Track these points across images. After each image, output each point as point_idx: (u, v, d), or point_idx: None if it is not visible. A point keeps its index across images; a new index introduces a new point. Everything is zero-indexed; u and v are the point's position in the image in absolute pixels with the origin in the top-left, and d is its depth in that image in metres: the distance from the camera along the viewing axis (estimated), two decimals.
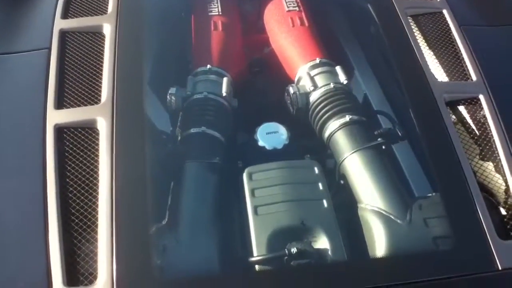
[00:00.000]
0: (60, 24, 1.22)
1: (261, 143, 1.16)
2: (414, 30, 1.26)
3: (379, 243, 0.93)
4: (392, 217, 0.96)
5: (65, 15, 1.25)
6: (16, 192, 0.93)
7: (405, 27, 1.25)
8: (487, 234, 0.89)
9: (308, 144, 1.19)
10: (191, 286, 0.84)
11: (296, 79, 1.27)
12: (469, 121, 1.12)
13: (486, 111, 1.09)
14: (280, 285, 0.84)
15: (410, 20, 1.28)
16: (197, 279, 0.86)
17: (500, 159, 1.03)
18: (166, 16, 1.40)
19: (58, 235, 0.86)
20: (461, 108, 1.13)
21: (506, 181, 1.00)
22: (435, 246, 0.91)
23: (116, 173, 0.93)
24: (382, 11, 1.32)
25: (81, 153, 0.98)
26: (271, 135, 1.19)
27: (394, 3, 1.30)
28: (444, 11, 1.30)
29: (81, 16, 1.26)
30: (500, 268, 0.85)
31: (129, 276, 0.83)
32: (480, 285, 0.85)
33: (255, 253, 0.91)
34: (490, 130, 1.07)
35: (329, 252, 0.92)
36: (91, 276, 0.84)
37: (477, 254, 0.87)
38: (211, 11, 1.39)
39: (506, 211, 0.98)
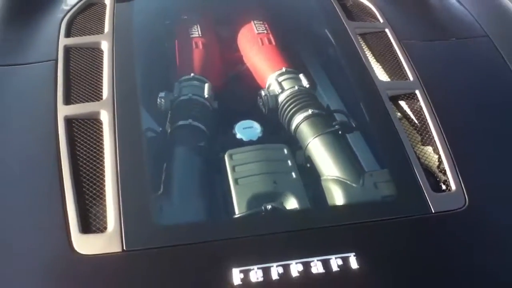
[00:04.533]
0: (64, 41, 1.43)
1: (238, 136, 1.37)
2: (362, 45, 1.52)
3: (337, 198, 1.14)
4: (348, 182, 1.18)
5: (67, 34, 1.47)
6: (37, 168, 1.11)
7: (355, 43, 1.51)
8: (423, 189, 1.11)
9: (278, 136, 1.41)
10: (183, 231, 1.02)
11: (266, 86, 1.51)
12: (408, 111, 1.36)
13: (422, 103, 1.34)
14: (255, 228, 1.03)
15: (359, 38, 1.55)
16: (188, 225, 1.05)
17: (434, 139, 1.26)
18: (154, 36, 1.63)
19: (73, 196, 1.04)
20: (402, 102, 1.38)
21: (439, 156, 1.23)
22: (383, 199, 1.13)
23: (118, 150, 1.12)
24: (336, 31, 1.59)
25: (88, 136, 1.17)
26: (247, 129, 1.40)
27: (345, 25, 1.58)
28: (386, 30, 1.57)
29: (81, 35, 1.48)
30: (433, 211, 1.07)
31: (133, 224, 1.00)
32: (419, 224, 1.06)
33: (237, 211, 1.11)
34: (425, 118, 1.31)
35: (297, 207, 1.12)
36: (102, 227, 1.01)
37: (417, 201, 1.09)
38: (192, 34, 1.63)
39: (436, 176, 1.21)
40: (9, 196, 1.05)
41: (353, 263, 0.95)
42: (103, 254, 0.96)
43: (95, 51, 1.42)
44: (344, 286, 0.95)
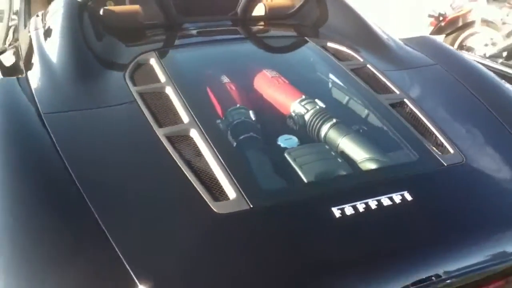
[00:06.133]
0: (135, 89, 1.81)
1: (282, 145, 1.79)
2: (356, 78, 2.05)
3: (380, 166, 1.58)
4: (383, 159, 1.63)
5: (134, 84, 1.85)
6: (163, 170, 1.47)
7: (351, 76, 2.04)
8: (435, 153, 1.60)
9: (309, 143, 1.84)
10: (285, 191, 1.44)
11: (291, 110, 1.96)
12: (401, 113, 1.87)
13: (411, 107, 1.87)
14: (336, 182, 1.47)
15: (352, 74, 2.08)
16: (286, 187, 1.48)
17: (427, 126, 1.77)
18: (199, 81, 2.04)
19: (196, 180, 1.40)
20: (399, 107, 1.89)
21: (435, 135, 1.73)
22: (410, 163, 1.59)
23: (216, 149, 1.51)
24: (333, 69, 2.13)
25: (185, 145, 1.55)
26: (288, 140, 1.82)
27: (339, 64, 2.11)
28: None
29: (143, 85, 1.86)
30: (445, 165, 1.55)
31: (250, 190, 1.37)
32: (439, 172, 1.54)
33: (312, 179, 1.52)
34: (416, 113, 1.83)
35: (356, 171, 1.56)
36: (225, 198, 1.36)
37: (433, 160, 1.57)
38: (223, 80, 2.08)
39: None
40: (157, 189, 1.40)
41: (408, 197, 1.39)
42: (238, 211, 1.31)
43: (161, 93, 1.81)
44: (401, 211, 1.38)
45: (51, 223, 1.28)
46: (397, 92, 1.95)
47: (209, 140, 1.56)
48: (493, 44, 4.15)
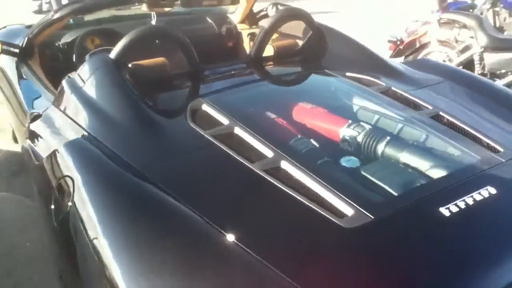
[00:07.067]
0: (207, 133, 1.94)
1: (347, 165, 1.97)
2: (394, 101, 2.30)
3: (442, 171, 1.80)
4: (446, 164, 1.85)
5: (203, 129, 1.97)
6: (274, 197, 1.60)
7: (385, 97, 2.29)
8: (492, 154, 1.86)
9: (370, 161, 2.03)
10: (393, 201, 1.61)
11: (343, 135, 2.15)
12: (443, 124, 2.13)
13: (448, 118, 2.13)
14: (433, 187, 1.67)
15: (382, 95, 2.33)
16: (390, 198, 1.64)
17: (467, 130, 2.04)
18: (256, 119, 2.17)
19: (311, 201, 1.55)
20: (438, 119, 2.14)
21: (480, 138, 2.00)
22: (475, 164, 1.83)
23: (315, 174, 1.67)
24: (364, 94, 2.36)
25: (283, 176, 1.69)
26: (349, 161, 2.01)
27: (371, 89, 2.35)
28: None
29: (205, 130, 1.98)
30: (504, 161, 1.81)
31: (366, 205, 1.53)
32: (502, 168, 1.78)
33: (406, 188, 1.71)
34: (457, 125, 2.09)
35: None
36: (343, 214, 1.52)
37: (493, 159, 1.82)
38: (271, 116, 2.24)
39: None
40: (283, 217, 1.54)
41: (492, 191, 1.62)
42: (365, 223, 1.47)
43: (231, 133, 1.95)
44: (493, 203, 1.60)
45: (192, 267, 1.37)
46: (430, 107, 2.21)
47: (301, 168, 1.71)
48: (450, 60, 4.64)
